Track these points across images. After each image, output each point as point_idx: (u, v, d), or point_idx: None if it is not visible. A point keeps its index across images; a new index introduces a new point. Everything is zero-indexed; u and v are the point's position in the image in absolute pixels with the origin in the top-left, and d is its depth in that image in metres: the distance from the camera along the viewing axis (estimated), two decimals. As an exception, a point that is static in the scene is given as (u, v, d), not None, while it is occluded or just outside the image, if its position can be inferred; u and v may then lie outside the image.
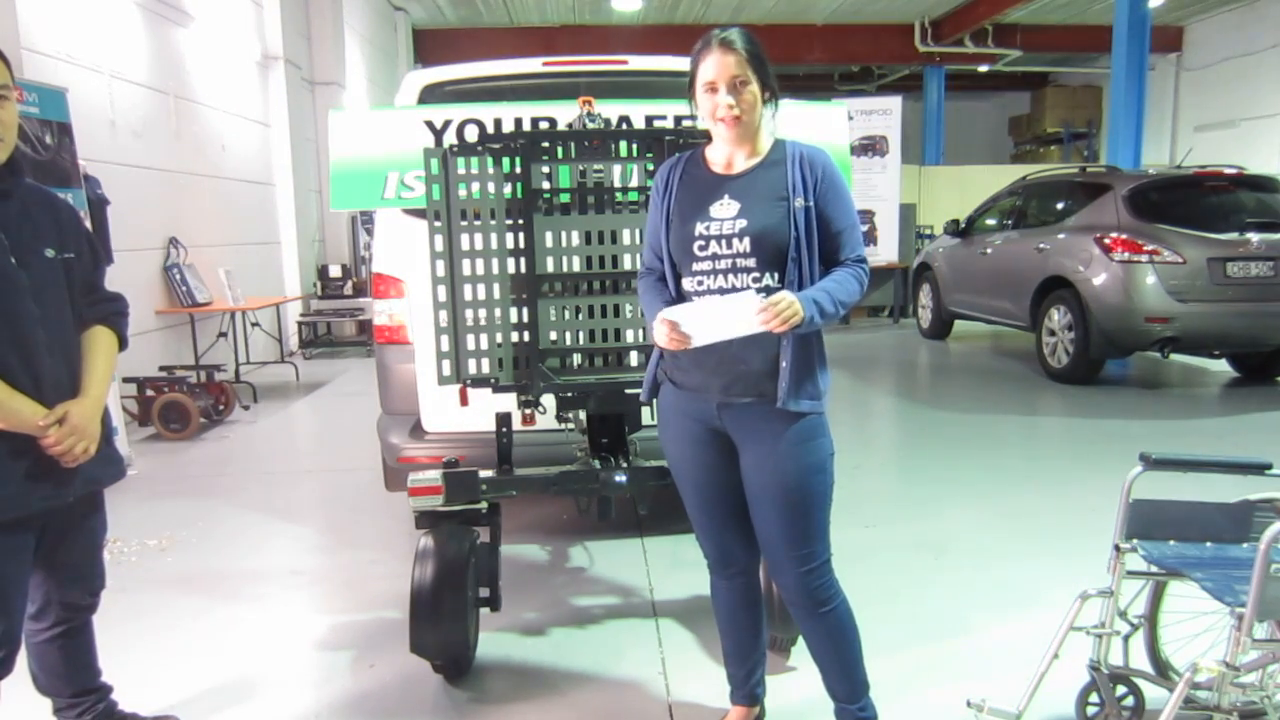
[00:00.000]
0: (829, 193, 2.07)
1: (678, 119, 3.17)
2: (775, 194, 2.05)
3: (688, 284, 2.11)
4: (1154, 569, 2.25)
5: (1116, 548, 2.26)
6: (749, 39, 2.04)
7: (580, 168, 2.73)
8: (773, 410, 2.05)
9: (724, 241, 2.05)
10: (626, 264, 2.79)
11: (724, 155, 2.13)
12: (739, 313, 1.94)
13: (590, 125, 2.94)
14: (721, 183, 2.11)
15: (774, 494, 2.08)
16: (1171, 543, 2.26)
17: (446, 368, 2.78)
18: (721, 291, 2.06)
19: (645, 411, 2.98)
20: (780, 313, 1.90)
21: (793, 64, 15.79)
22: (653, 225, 2.20)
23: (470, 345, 2.77)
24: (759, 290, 2.02)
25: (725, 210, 2.07)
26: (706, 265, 2.07)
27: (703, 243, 2.07)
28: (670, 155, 2.68)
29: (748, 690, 2.37)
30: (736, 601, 2.31)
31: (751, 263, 2.04)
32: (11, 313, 1.96)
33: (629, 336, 2.84)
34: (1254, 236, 6.60)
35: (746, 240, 2.04)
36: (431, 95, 3.67)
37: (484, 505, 2.79)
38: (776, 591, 2.55)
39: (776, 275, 2.04)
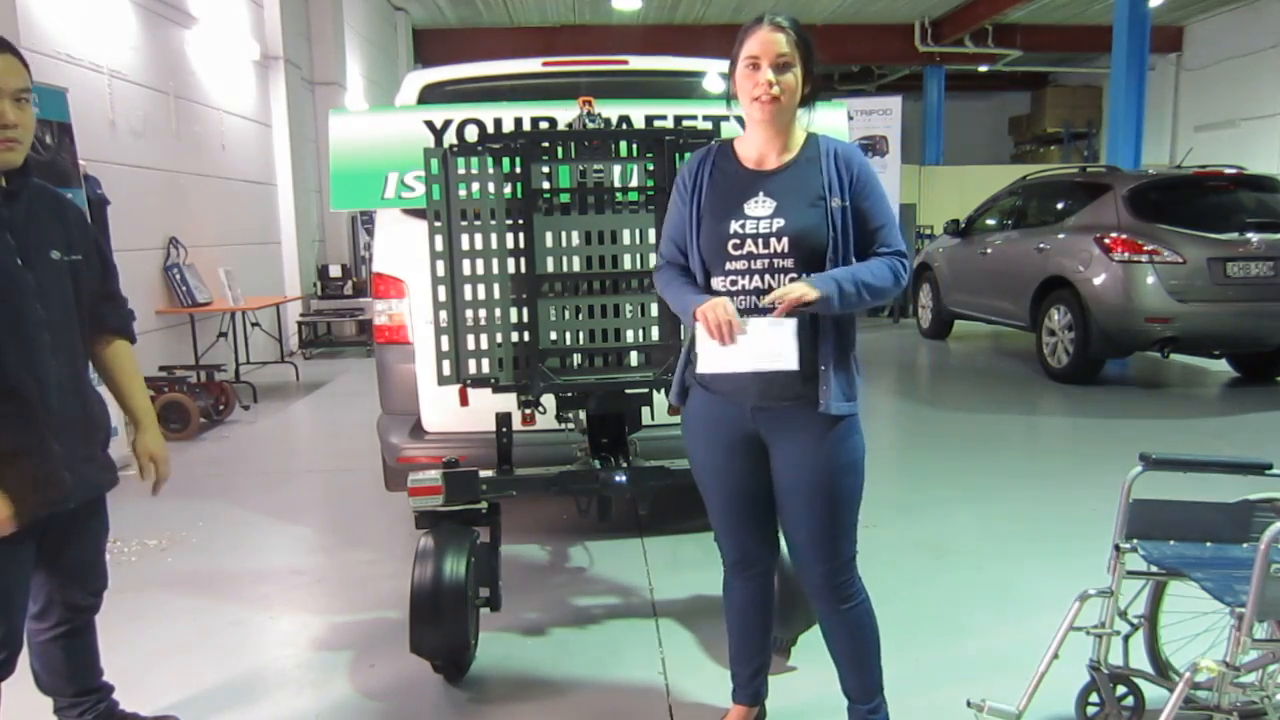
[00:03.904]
0: (864, 191, 2.05)
1: (678, 119, 3.17)
2: (812, 193, 2.02)
3: (719, 283, 2.06)
4: (1154, 569, 2.25)
5: (1116, 548, 2.26)
6: (799, 26, 2.02)
7: (580, 168, 2.73)
8: (810, 412, 2.03)
9: (760, 241, 2.01)
10: (626, 264, 2.79)
11: (756, 149, 2.08)
12: (766, 343, 1.94)
13: (590, 125, 2.94)
14: (755, 179, 2.06)
15: (808, 494, 2.08)
16: (1171, 543, 2.26)
17: (446, 368, 2.78)
18: (758, 292, 2.01)
19: (645, 411, 2.99)
20: (790, 298, 1.90)
21: (793, 64, 15.74)
22: (677, 220, 2.15)
23: (470, 345, 2.77)
24: None
25: (760, 209, 2.03)
26: (741, 265, 2.03)
27: (737, 241, 2.02)
28: (670, 155, 2.70)
29: (751, 690, 2.37)
30: (750, 601, 2.30)
31: (789, 263, 2.01)
32: (17, 315, 1.94)
33: (629, 336, 2.83)
34: (1254, 236, 6.60)
35: (785, 240, 2.00)
36: (431, 95, 3.67)
37: (484, 505, 2.79)
38: (779, 591, 2.55)
39: (811, 275, 2.00)
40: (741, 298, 2.03)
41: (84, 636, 2.29)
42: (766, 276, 2.02)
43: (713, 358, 2.00)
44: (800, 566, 2.19)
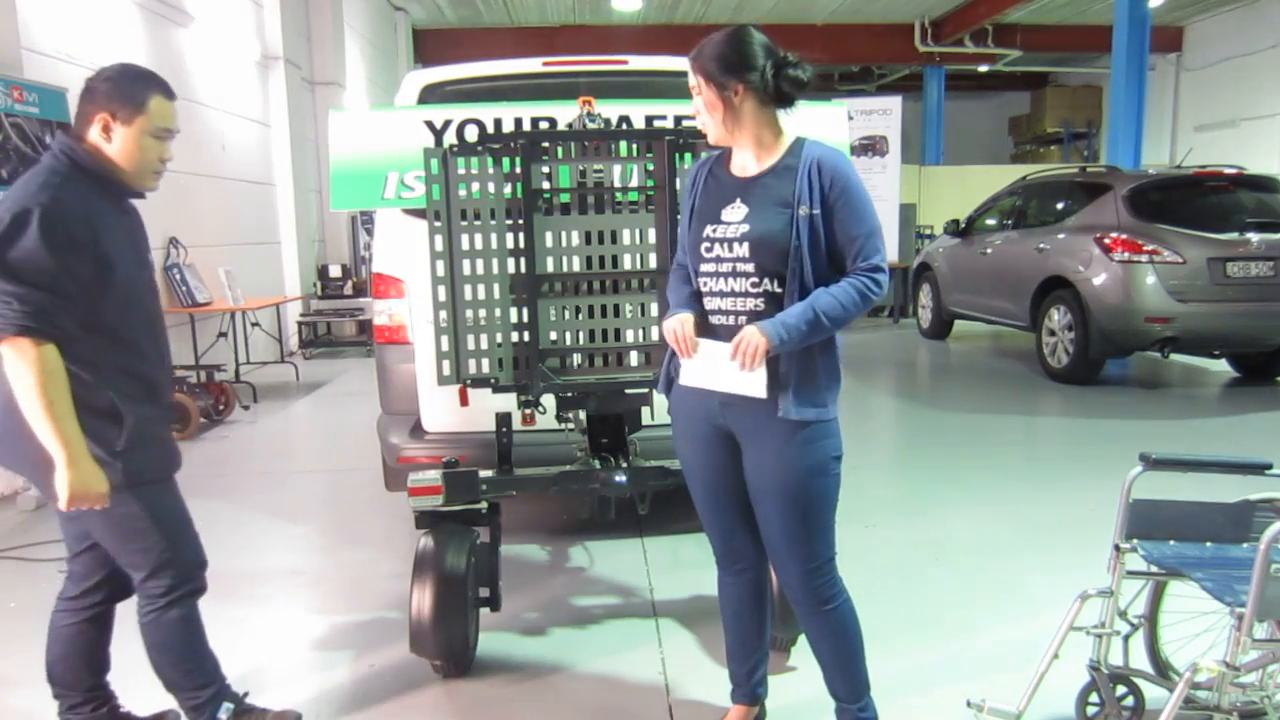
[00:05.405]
0: (840, 200, 2.03)
1: (678, 119, 3.16)
2: (782, 200, 2.06)
3: (699, 284, 2.14)
4: (1154, 569, 2.25)
5: (1116, 548, 2.27)
6: (700, 47, 2.07)
7: (580, 168, 2.73)
8: (772, 416, 2.06)
9: (727, 245, 2.08)
10: (626, 264, 2.79)
11: (739, 158, 2.15)
12: (723, 363, 2.02)
13: (590, 125, 2.94)
14: (737, 186, 2.12)
15: (774, 495, 2.10)
16: (1171, 543, 2.26)
17: (446, 368, 2.78)
18: (723, 295, 2.09)
19: (645, 411, 2.99)
20: (745, 353, 1.97)
21: (793, 64, 15.73)
22: (682, 223, 2.24)
23: (470, 345, 2.77)
24: (758, 295, 2.05)
25: (734, 214, 2.09)
26: (710, 267, 2.10)
27: (709, 245, 2.10)
28: (670, 155, 2.70)
29: (749, 689, 2.38)
30: (743, 597, 2.32)
31: (750, 267, 2.06)
32: (150, 314, 2.19)
33: (629, 336, 2.84)
34: (1254, 236, 6.60)
35: (746, 245, 2.05)
36: (431, 95, 3.67)
37: (484, 505, 2.79)
38: (778, 590, 2.55)
39: (776, 282, 2.05)
40: (712, 299, 2.11)
41: (111, 620, 2.35)
42: (730, 280, 2.08)
43: (691, 373, 2.11)
44: (777, 568, 2.21)
